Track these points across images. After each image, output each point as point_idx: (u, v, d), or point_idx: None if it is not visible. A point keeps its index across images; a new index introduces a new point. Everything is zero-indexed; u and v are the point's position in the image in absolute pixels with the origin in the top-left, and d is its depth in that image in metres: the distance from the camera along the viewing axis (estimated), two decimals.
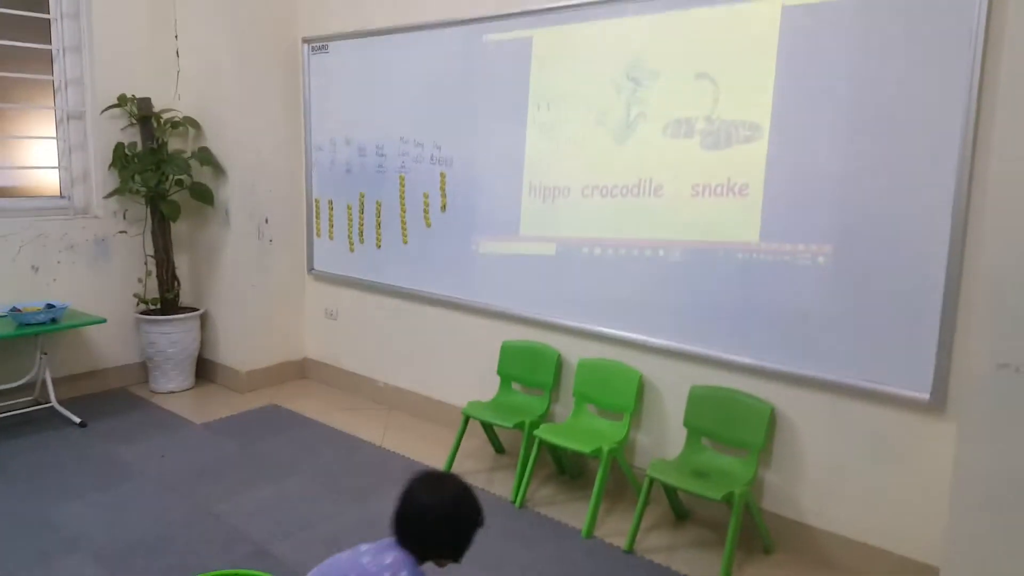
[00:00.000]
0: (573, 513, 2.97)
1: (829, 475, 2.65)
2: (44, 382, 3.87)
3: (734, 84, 2.73)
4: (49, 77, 4.10)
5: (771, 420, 2.70)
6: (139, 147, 4.22)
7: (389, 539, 1.82)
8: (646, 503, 2.72)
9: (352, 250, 4.27)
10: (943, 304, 2.33)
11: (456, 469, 3.33)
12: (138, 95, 4.19)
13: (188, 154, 4.26)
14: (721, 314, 2.82)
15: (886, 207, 2.42)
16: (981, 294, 1.92)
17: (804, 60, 2.57)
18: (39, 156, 4.19)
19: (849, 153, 2.48)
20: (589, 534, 2.80)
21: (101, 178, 4.22)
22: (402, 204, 3.94)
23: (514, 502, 3.03)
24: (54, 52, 4.09)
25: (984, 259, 1.92)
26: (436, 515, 1.78)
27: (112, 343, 4.36)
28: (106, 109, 4.13)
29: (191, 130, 4.37)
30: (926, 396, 2.39)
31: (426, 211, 3.83)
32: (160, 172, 4.14)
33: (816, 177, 2.56)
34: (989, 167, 1.92)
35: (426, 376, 4.03)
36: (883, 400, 2.50)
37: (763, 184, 2.67)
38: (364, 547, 1.81)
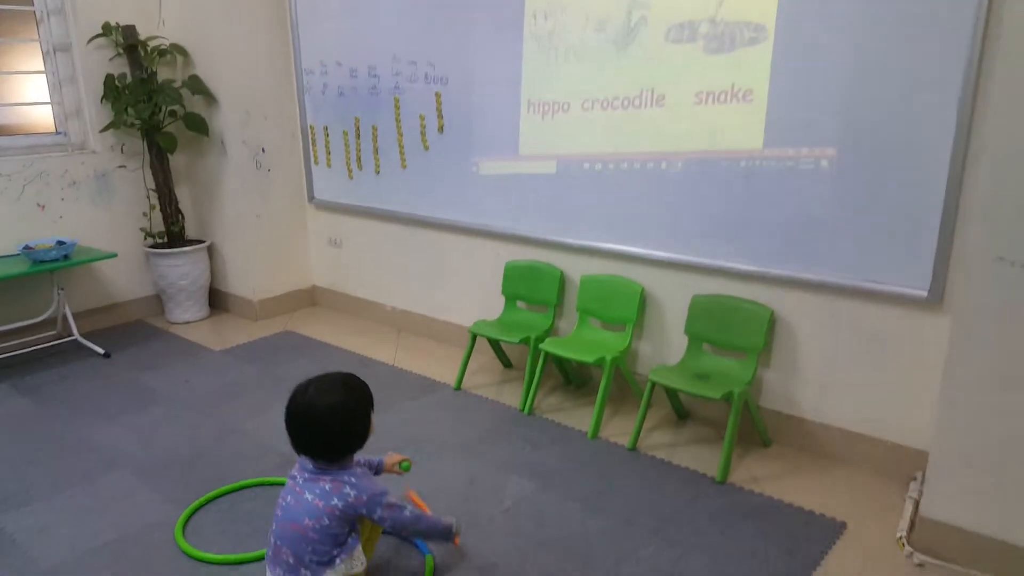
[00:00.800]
0: (579, 418, 3.13)
1: (826, 372, 2.78)
2: (65, 317, 3.99)
3: None
4: (30, 8, 4.01)
5: (770, 323, 2.82)
6: (128, 78, 4.18)
7: (310, 462, 1.89)
8: (648, 406, 2.87)
9: (351, 177, 4.29)
10: (944, 203, 2.37)
11: (466, 384, 3.49)
12: (122, 23, 4.12)
13: (178, 83, 4.23)
14: (723, 223, 2.88)
15: (892, 109, 2.41)
16: (981, 190, 1.97)
17: None
18: (30, 92, 4.16)
19: (856, 54, 2.45)
20: (594, 435, 2.97)
21: (95, 112, 4.21)
22: (398, 127, 3.94)
23: (523, 410, 3.19)
24: None
25: (986, 156, 1.96)
26: (339, 421, 1.85)
27: (125, 277, 4.46)
28: (92, 39, 4.07)
29: (179, 58, 4.31)
30: (924, 293, 2.47)
31: (423, 133, 3.83)
32: (152, 103, 4.11)
33: (822, 80, 2.54)
34: (996, 69, 1.91)
35: (433, 299, 4.13)
36: (881, 299, 2.60)
37: (768, 89, 2.65)
38: (299, 479, 1.89)
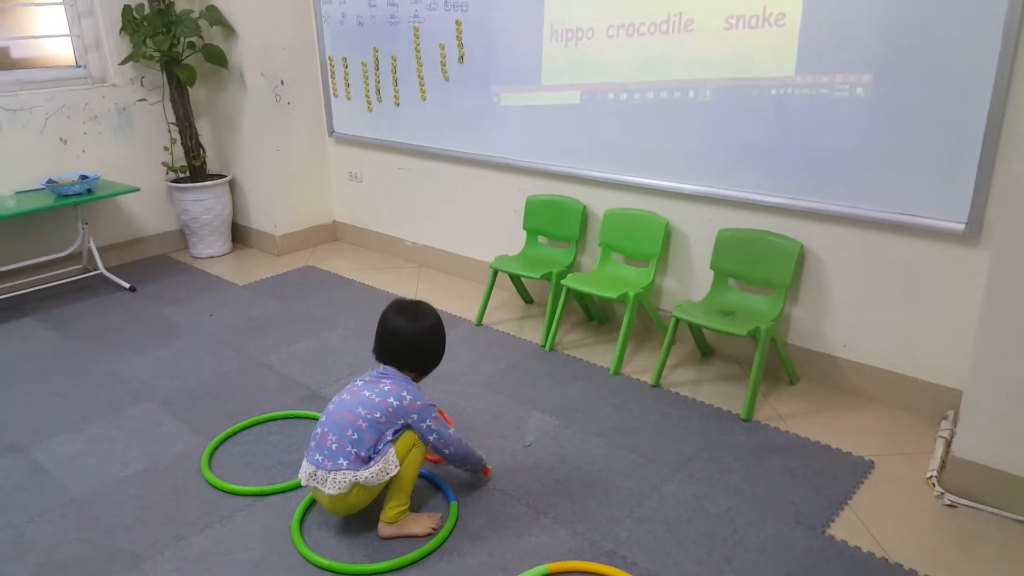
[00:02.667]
0: (601, 354, 3.10)
1: (857, 308, 2.70)
2: (90, 251, 4.01)
3: None
4: None
5: (799, 258, 2.72)
6: (146, 9, 4.09)
7: (374, 370, 2.06)
8: (672, 342, 2.82)
9: (371, 109, 4.19)
10: (985, 132, 2.25)
11: (487, 320, 3.47)
12: None
13: (196, 14, 4.12)
14: (752, 155, 2.77)
15: (931, 33, 2.27)
16: (1023, 118, 1.86)
17: None
18: (48, 25, 4.09)
19: None
20: (617, 372, 2.94)
21: (114, 44, 4.14)
22: (418, 57, 3.82)
23: (544, 346, 3.16)
24: None
25: None
26: (414, 339, 2.05)
27: (149, 211, 4.47)
28: None
29: None
30: (961, 226, 2.36)
31: (443, 63, 3.71)
32: (171, 35, 4.03)
33: (858, 1, 2.39)
34: None
35: (453, 234, 4.08)
36: (916, 232, 2.49)
37: (801, 12, 2.52)
38: (359, 382, 2.03)
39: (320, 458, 1.93)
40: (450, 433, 2.05)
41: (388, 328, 2.05)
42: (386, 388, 1.98)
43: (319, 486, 1.93)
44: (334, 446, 1.92)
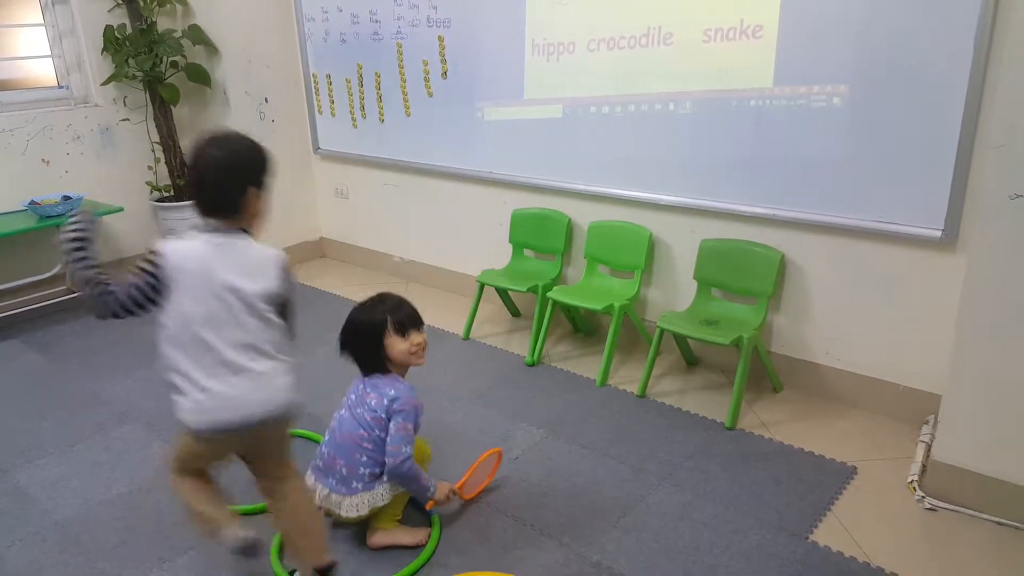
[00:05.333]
0: (587, 366, 3.11)
1: (838, 316, 2.73)
2: None
3: None
4: None
5: (781, 267, 2.76)
6: (128, 29, 4.10)
7: (362, 381, 2.05)
8: (657, 352, 2.84)
9: (355, 126, 4.21)
10: (959, 140, 2.29)
11: (475, 333, 3.47)
12: None
13: (178, 33, 4.14)
14: (733, 165, 2.80)
15: (906, 44, 2.32)
16: (996, 126, 1.90)
17: None
18: (30, 46, 4.09)
19: None
20: (603, 383, 2.96)
21: (96, 64, 4.14)
22: (401, 74, 3.84)
23: (531, 359, 3.17)
24: None
25: (1001, 90, 1.89)
26: (371, 330, 2.01)
27: (133, 231, 4.44)
28: None
29: (178, 7, 4.21)
30: (938, 232, 2.40)
31: (427, 79, 3.74)
32: (153, 55, 4.04)
33: (834, 12, 2.44)
34: (1014, 4, 1.83)
35: (440, 248, 4.09)
36: (895, 240, 2.53)
37: (778, 24, 2.56)
38: (352, 396, 2.03)
39: (333, 482, 1.97)
40: (404, 449, 1.93)
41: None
42: (373, 402, 1.98)
43: (333, 508, 1.97)
44: (344, 470, 1.95)
